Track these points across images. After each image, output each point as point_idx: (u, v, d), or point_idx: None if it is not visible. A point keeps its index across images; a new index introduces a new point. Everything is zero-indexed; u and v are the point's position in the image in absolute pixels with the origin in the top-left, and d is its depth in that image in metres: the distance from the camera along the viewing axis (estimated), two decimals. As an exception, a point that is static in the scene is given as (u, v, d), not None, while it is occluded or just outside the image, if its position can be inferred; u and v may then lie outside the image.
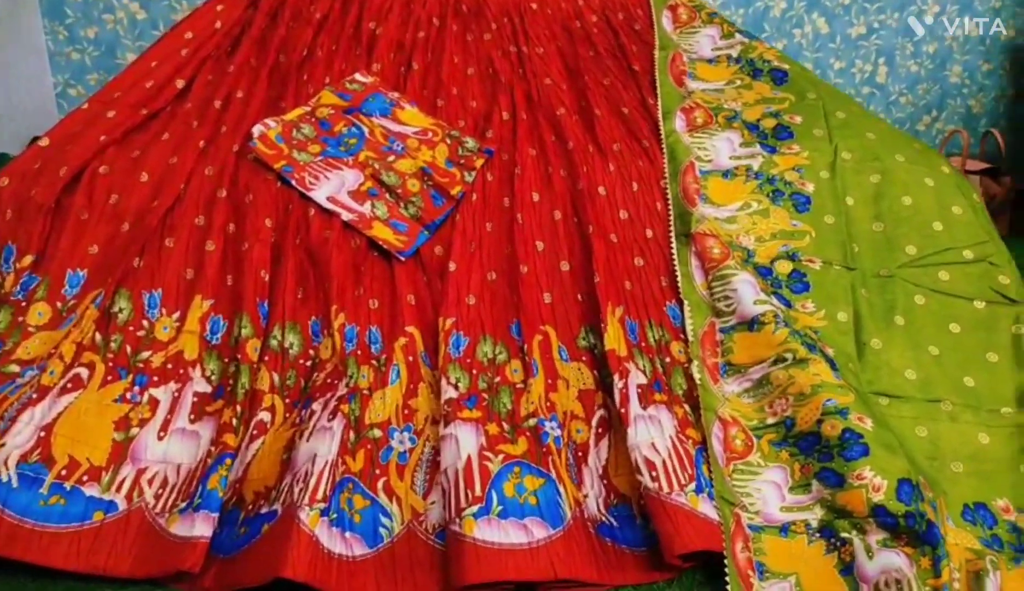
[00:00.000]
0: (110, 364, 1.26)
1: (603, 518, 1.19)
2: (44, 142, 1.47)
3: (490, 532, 1.09)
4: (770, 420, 1.29)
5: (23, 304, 1.31)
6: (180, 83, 1.59)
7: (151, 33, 2.44)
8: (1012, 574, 1.15)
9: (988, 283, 1.46)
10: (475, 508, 1.11)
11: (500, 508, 1.12)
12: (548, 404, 1.29)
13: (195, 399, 1.27)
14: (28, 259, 1.35)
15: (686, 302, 1.41)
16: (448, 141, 1.54)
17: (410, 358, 1.33)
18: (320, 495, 1.10)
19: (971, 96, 3.43)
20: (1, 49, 2.40)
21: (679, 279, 1.43)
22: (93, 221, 1.39)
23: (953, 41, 3.26)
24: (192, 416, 1.25)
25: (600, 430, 1.29)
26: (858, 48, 3.30)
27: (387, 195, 1.47)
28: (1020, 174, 3.20)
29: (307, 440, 1.19)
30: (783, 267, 1.47)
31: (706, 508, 1.15)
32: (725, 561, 1.11)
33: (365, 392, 1.29)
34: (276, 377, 1.30)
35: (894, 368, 1.37)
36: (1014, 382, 1.36)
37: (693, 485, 1.17)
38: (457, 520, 1.11)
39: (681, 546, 1.09)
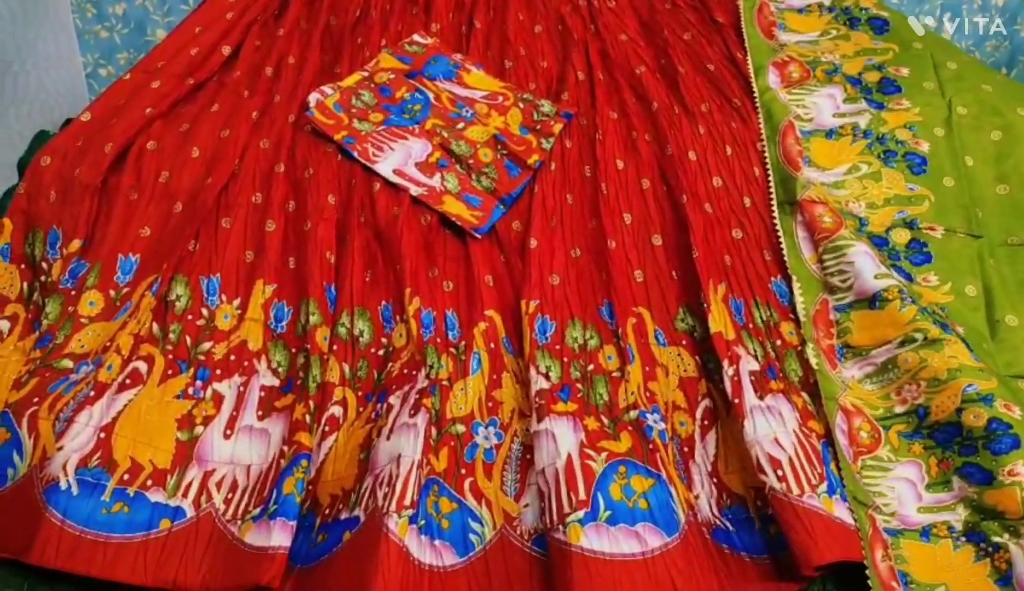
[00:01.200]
0: (170, 357, 1.16)
1: (717, 521, 1.06)
2: (86, 117, 1.35)
3: (599, 540, 0.97)
4: (899, 409, 1.15)
5: (73, 293, 1.21)
6: (227, 50, 1.46)
7: (180, 8, 2.32)
8: None
9: None
10: (581, 513, 0.99)
11: (608, 513, 1.00)
12: (648, 394, 1.16)
13: (262, 394, 1.16)
14: (76, 244, 1.24)
15: (795, 277, 1.26)
16: (521, 105, 1.40)
17: (491, 345, 1.21)
18: (408, 500, 0.99)
19: (1045, 50, 3.22)
20: (29, 29, 2.30)
21: (785, 252, 1.29)
22: (144, 201, 1.28)
23: (1025, -8, 3.04)
24: (260, 412, 1.15)
25: (706, 422, 1.16)
26: (921, 3, 3.11)
27: (458, 166, 1.34)
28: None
29: (387, 438, 1.07)
30: (900, 236, 1.31)
31: (841, 511, 1.02)
32: (867, 571, 0.98)
33: (445, 383, 1.17)
34: (347, 368, 1.18)
35: (1033, 348, 1.22)
36: None
37: (824, 485, 1.03)
38: (561, 527, 0.99)
39: (819, 557, 0.96)
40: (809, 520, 0.98)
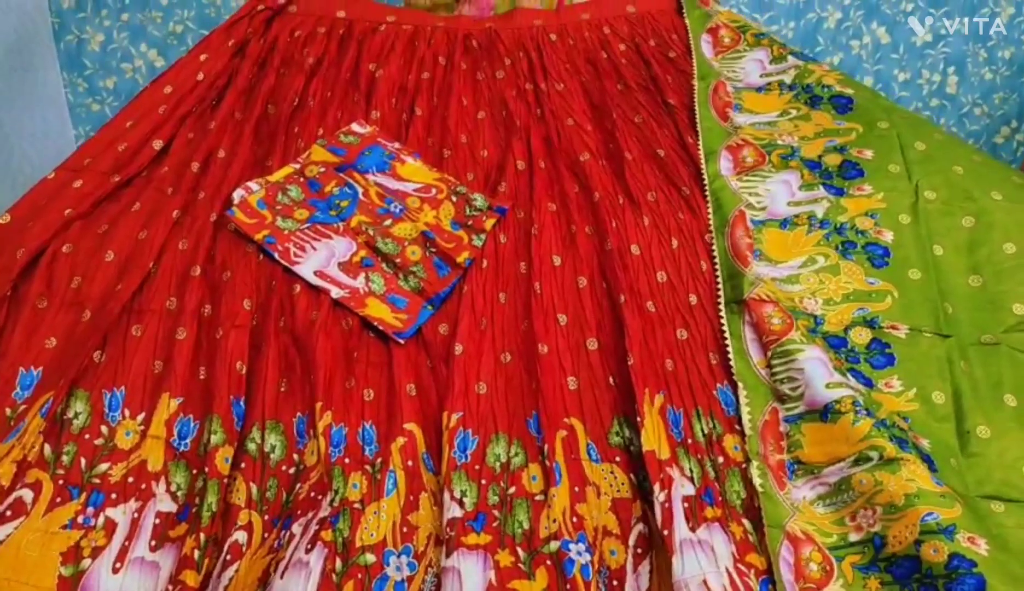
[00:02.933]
0: (60, 482, 1.08)
1: (645, 669, 0.95)
2: (5, 219, 1.31)
3: None
4: (853, 537, 1.03)
5: (-31, 411, 1.14)
6: (158, 144, 1.42)
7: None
8: None
9: (1120, 349, 1.18)
10: (482, 670, 0.89)
11: (512, 669, 0.90)
12: (575, 520, 1.06)
13: (157, 521, 1.07)
14: (-22, 357, 1.19)
15: (741, 384, 1.16)
16: (454, 199, 1.33)
17: (409, 462, 1.12)
18: (289, 655, 0.90)
19: (1055, 103, 3.13)
20: (21, 103, 2.33)
21: (731, 356, 1.19)
22: (52, 309, 1.22)
23: (1033, 44, 2.98)
24: (153, 542, 1.06)
25: (639, 550, 1.05)
26: (924, 57, 3.04)
27: (384, 265, 1.27)
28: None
29: (281, 576, 0.98)
30: (860, 336, 1.21)
31: (776, 667, 0.90)
32: None
33: (356, 506, 1.08)
34: (255, 488, 1.10)
35: (1008, 463, 1.10)
36: None
37: (757, 636, 0.92)
38: (458, 686, 0.88)
39: None
40: (737, 683, 0.87)
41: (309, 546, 1.00)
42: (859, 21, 2.86)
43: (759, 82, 1.55)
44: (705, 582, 0.95)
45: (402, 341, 1.21)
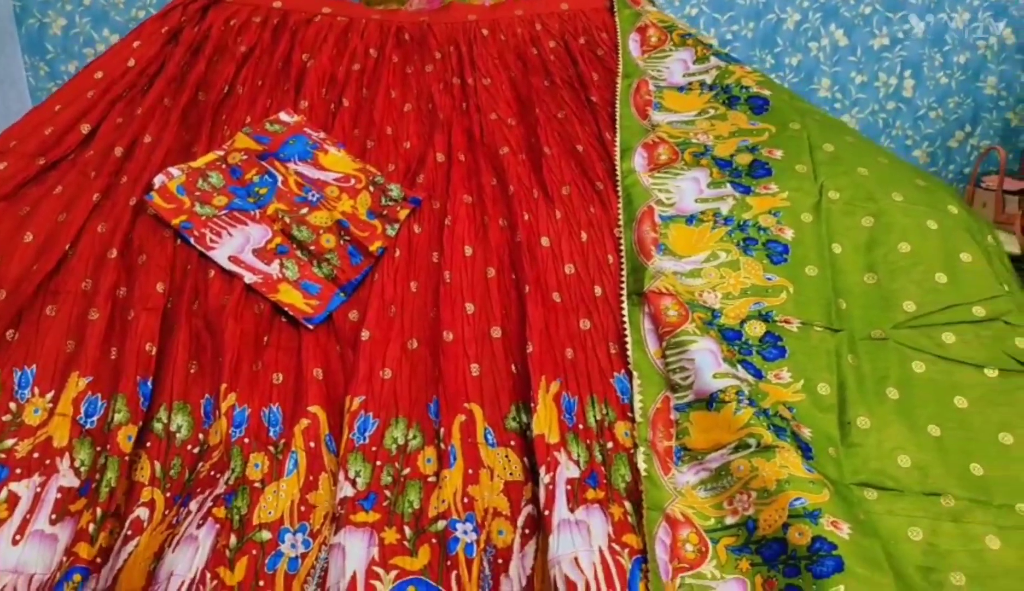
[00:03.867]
0: (-35, 458, 1.11)
1: (520, 644, 0.99)
2: (-71, 201, 1.33)
3: (369, 672, 0.91)
4: (729, 520, 1.08)
5: None
6: (85, 128, 1.44)
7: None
8: None
9: (1002, 347, 1.23)
10: (354, 641, 0.93)
11: (386, 639, 0.94)
12: (465, 500, 1.10)
13: (59, 495, 1.10)
14: None
15: (635, 373, 1.20)
16: (371, 189, 1.36)
17: (311, 444, 1.15)
18: (170, 624, 0.93)
19: (1009, 108, 3.20)
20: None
21: (629, 346, 1.23)
22: (-31, 291, 1.25)
23: (987, 49, 3.04)
24: (54, 516, 1.09)
25: (527, 531, 1.09)
26: (881, 60, 3.09)
27: (298, 252, 1.30)
28: (1065, 193, 2.94)
29: (173, 550, 1.02)
30: (755, 329, 1.25)
31: (636, 641, 0.95)
32: None
33: (257, 485, 1.11)
34: (159, 466, 1.13)
35: (885, 453, 1.14)
36: (1032, 470, 1.13)
37: (623, 612, 0.96)
38: (332, 656, 0.92)
39: None
40: (594, 655, 0.91)
41: (200, 522, 1.03)
42: (818, 23, 2.91)
43: (681, 82, 1.59)
44: (576, 560, 0.99)
45: (311, 327, 1.24)
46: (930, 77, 3.08)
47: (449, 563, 1.01)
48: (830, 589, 0.95)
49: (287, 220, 1.31)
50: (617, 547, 1.03)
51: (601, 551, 1.01)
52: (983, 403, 1.19)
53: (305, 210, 1.33)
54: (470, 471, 1.13)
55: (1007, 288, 1.30)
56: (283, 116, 1.48)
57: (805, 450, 1.11)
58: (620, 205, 1.37)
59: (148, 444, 1.14)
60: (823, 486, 1.05)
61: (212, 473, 1.11)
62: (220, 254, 1.28)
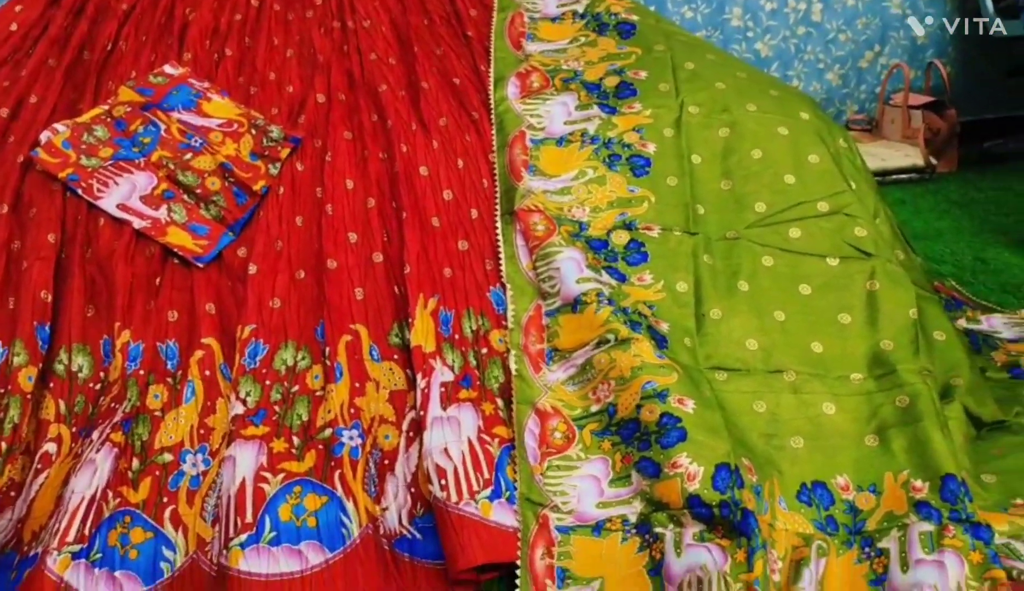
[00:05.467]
0: None
1: (404, 531, 1.09)
2: None
3: (258, 562, 1.00)
4: (594, 408, 1.19)
5: None
6: (-30, 93, 1.47)
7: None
8: (841, 560, 1.05)
9: (842, 237, 1.35)
10: (243, 537, 1.02)
11: (273, 534, 1.03)
12: (352, 410, 1.19)
13: (-35, 435, 1.17)
14: None
15: (509, 286, 1.30)
16: (253, 132, 1.42)
17: (207, 372, 1.23)
18: (72, 536, 1.02)
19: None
20: None
21: (503, 261, 1.32)
22: None
23: (892, -33, 3.12)
24: (-39, 454, 1.16)
25: (412, 434, 1.19)
26: (788, -15, 3.16)
27: (185, 196, 1.36)
28: (966, 106, 3.08)
29: (76, 474, 1.10)
30: (620, 238, 1.35)
31: (501, 515, 1.05)
32: (517, 570, 1.02)
33: (157, 414, 1.19)
34: (63, 404, 1.20)
35: (734, 339, 1.26)
36: (866, 345, 1.25)
37: (489, 491, 1.07)
38: (225, 551, 1.02)
39: (465, 561, 0.99)
40: (461, 526, 1.02)
41: (99, 447, 1.11)
42: (730, -49, 2.98)
43: (555, 12, 1.66)
44: (446, 450, 1.09)
45: (202, 265, 1.31)
46: (837, 0, 3.19)
47: (333, 464, 1.11)
48: (674, 455, 1.07)
49: (172, 166, 1.37)
50: (487, 438, 1.13)
51: (470, 441, 1.11)
52: (825, 289, 1.31)
53: (189, 156, 1.39)
54: (357, 385, 1.22)
55: (853, 186, 1.41)
56: (167, 69, 1.52)
57: (660, 341, 1.22)
58: (494, 131, 1.45)
59: (52, 385, 1.21)
60: (672, 370, 1.16)
61: (112, 405, 1.18)
62: (108, 203, 1.33)
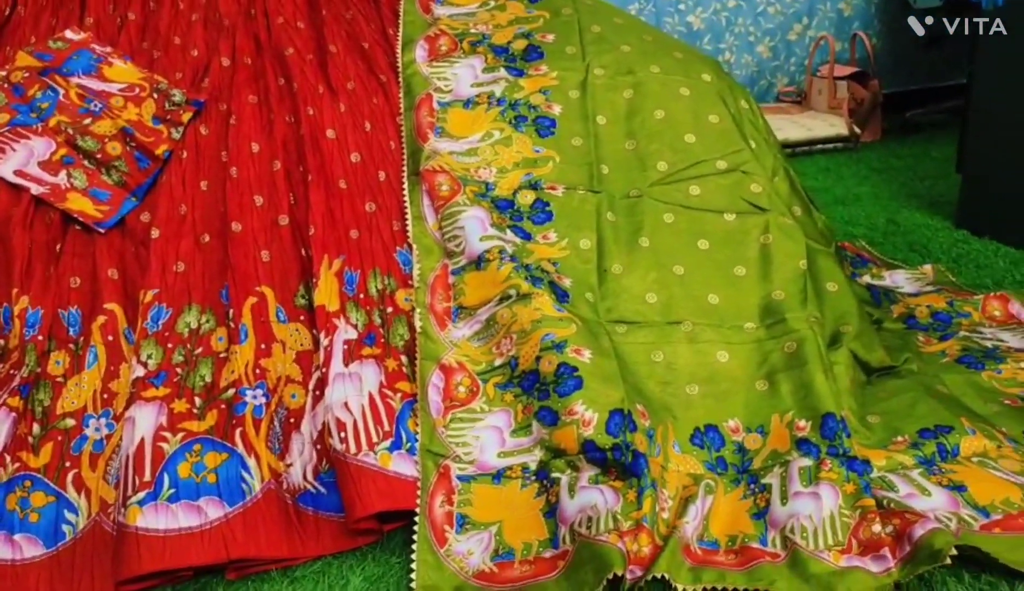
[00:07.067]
0: None
1: (308, 486, 1.11)
2: None
3: (156, 519, 1.01)
4: (497, 361, 1.22)
5: None
6: None
7: None
8: (728, 496, 1.10)
9: (740, 193, 1.39)
10: (142, 494, 1.02)
11: (172, 491, 1.04)
12: (257, 371, 1.20)
13: None
14: None
15: (415, 246, 1.31)
16: (155, 96, 1.40)
17: (110, 338, 1.23)
18: (-33, 500, 1.01)
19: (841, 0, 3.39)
20: None
21: (409, 222, 1.34)
22: None
23: (818, -59, 3.18)
24: None
25: (318, 393, 1.20)
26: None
27: (85, 162, 1.34)
28: (889, 77, 3.17)
29: (-28, 442, 1.09)
30: (525, 197, 1.38)
31: (400, 466, 1.08)
32: (416, 518, 1.04)
33: (59, 380, 1.18)
34: (-39, 373, 1.19)
35: (635, 293, 1.30)
36: (759, 295, 1.30)
37: (388, 443, 1.09)
38: (123, 510, 1.02)
39: (362, 508, 1.02)
40: (359, 475, 1.04)
41: (-4, 413, 1.10)
42: (656, -77, 3.00)
43: (466, -23, 1.67)
44: (346, 404, 1.11)
45: (103, 230, 1.30)
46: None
47: (235, 422, 1.12)
48: (571, 403, 1.11)
49: (70, 131, 1.35)
50: (389, 392, 1.15)
51: (372, 395, 1.13)
52: (722, 243, 1.35)
53: (88, 121, 1.36)
54: (263, 346, 1.22)
55: (753, 145, 1.46)
56: (68, 34, 1.49)
57: (561, 296, 1.26)
58: (401, 94, 1.46)
59: (-52, 353, 1.19)
60: (571, 322, 1.19)
61: (11, 372, 1.17)
62: (4, 169, 1.30)
